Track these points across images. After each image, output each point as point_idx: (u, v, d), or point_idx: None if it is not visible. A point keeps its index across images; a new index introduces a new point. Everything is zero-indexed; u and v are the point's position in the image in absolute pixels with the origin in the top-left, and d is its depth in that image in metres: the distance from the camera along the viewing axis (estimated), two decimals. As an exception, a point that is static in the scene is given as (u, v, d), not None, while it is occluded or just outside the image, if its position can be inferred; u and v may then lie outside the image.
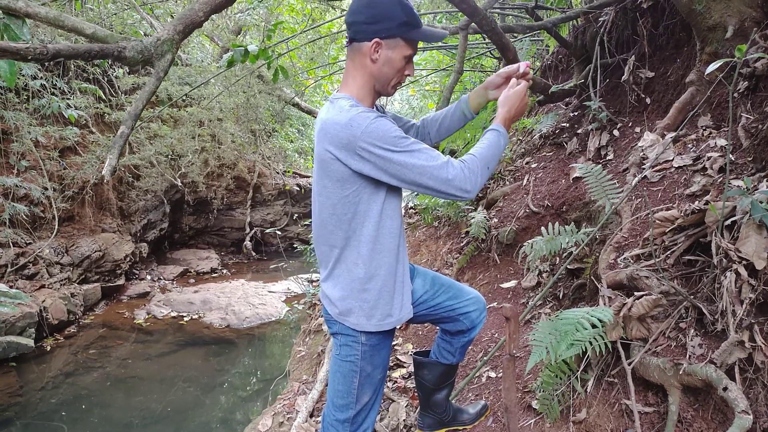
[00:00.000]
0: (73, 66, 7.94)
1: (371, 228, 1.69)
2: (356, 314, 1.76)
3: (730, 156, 2.42)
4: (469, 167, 1.60)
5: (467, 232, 4.36)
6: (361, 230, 1.69)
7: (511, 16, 5.79)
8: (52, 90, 7.42)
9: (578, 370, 2.19)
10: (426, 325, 3.75)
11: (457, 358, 2.20)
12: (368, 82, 1.68)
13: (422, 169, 1.55)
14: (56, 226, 7.59)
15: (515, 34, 5.38)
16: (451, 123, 2.02)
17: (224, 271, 10.81)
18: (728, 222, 1.97)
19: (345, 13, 1.79)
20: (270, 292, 8.96)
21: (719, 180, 2.35)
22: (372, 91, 1.71)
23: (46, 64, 7.23)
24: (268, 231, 11.47)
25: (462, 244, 4.51)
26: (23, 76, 6.89)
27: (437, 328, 2.20)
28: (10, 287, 6.58)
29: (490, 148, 1.67)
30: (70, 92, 7.76)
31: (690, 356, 1.85)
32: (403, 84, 1.77)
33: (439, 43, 7.02)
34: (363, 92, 1.69)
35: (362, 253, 1.71)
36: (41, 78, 7.19)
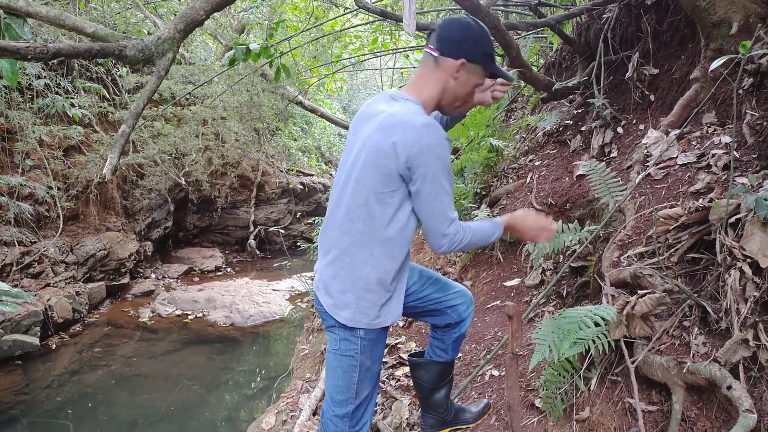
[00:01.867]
0: (77, 65, 7.96)
1: (393, 232, 1.72)
2: (351, 310, 1.76)
3: (735, 153, 2.40)
4: (459, 240, 1.71)
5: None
6: (383, 231, 1.71)
7: (514, 14, 5.78)
8: (56, 89, 7.44)
9: (581, 369, 2.18)
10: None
11: (450, 354, 2.21)
12: (439, 94, 1.75)
13: (441, 210, 1.67)
14: (61, 225, 7.62)
15: (518, 32, 5.36)
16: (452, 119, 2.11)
17: (228, 269, 10.83)
18: (732, 220, 1.96)
19: (348, 10, 1.81)
20: (274, 290, 8.98)
21: (724, 177, 2.33)
22: (436, 104, 1.78)
23: (50, 63, 7.26)
24: (272, 229, 11.49)
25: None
26: (27, 75, 6.92)
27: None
28: (15, 286, 6.61)
29: (483, 236, 1.79)
30: (74, 91, 7.78)
31: (694, 355, 1.84)
32: (466, 109, 1.87)
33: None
34: (430, 103, 1.76)
35: (375, 254, 1.73)
36: (45, 77, 7.22)
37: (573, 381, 2.18)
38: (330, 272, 1.79)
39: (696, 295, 1.99)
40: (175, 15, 8.11)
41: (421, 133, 1.60)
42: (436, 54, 1.71)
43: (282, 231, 12.08)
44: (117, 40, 1.79)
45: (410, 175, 1.63)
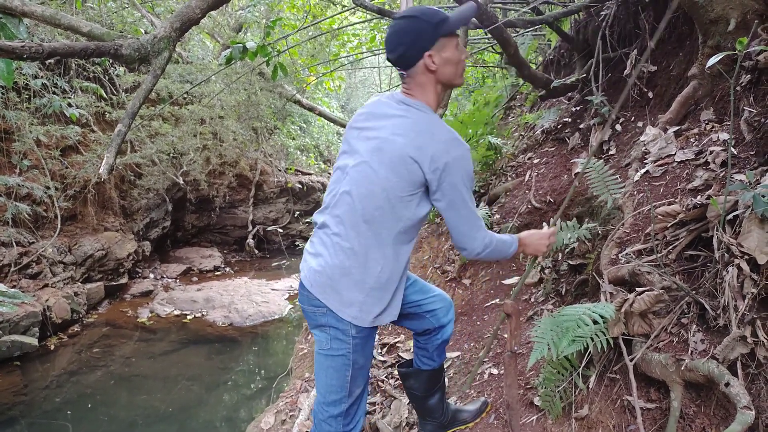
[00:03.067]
0: (74, 65, 7.94)
1: (405, 234, 1.76)
2: (357, 308, 1.76)
3: (733, 150, 2.40)
4: (489, 243, 1.79)
5: (469, 229, 4.35)
6: (397, 233, 1.73)
7: (512, 11, 5.77)
8: (53, 89, 7.42)
9: (580, 367, 2.18)
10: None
11: (437, 361, 2.21)
12: (435, 90, 1.77)
13: (472, 216, 1.74)
14: (59, 225, 7.60)
15: (517, 29, 5.36)
16: None
17: (227, 269, 10.82)
18: (730, 217, 1.96)
19: (345, 8, 1.81)
20: (273, 289, 8.97)
21: (721, 174, 2.33)
22: (438, 99, 1.80)
23: (47, 63, 7.23)
24: (270, 229, 11.48)
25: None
26: (24, 75, 6.89)
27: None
28: (14, 287, 6.60)
29: (504, 246, 1.86)
30: (71, 91, 7.75)
31: (692, 352, 1.84)
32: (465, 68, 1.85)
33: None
34: (434, 104, 1.78)
35: (387, 255, 1.74)
36: (42, 77, 7.19)
37: (572, 379, 2.18)
38: (338, 272, 1.76)
39: (694, 292, 1.98)
40: (172, 14, 8.11)
41: (451, 145, 1.65)
42: (405, 73, 1.74)
43: (280, 230, 12.07)
44: (113, 39, 1.79)
45: (438, 184, 1.67)
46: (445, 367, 2.73)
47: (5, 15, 1.86)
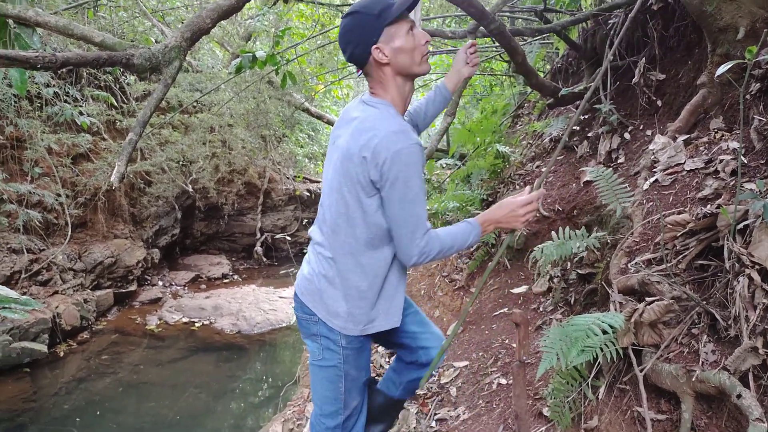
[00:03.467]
0: (85, 74, 8.03)
1: (376, 238, 1.68)
2: (343, 318, 1.73)
3: (743, 159, 2.38)
4: (428, 251, 1.64)
5: (477, 237, 4.34)
6: (365, 238, 1.67)
7: (520, 20, 5.78)
8: (65, 97, 7.50)
9: (589, 377, 2.17)
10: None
11: (399, 393, 2.09)
12: (395, 84, 1.69)
13: (410, 219, 1.60)
14: (69, 233, 7.66)
15: (524, 38, 5.36)
16: (434, 108, 2.09)
17: (235, 276, 10.85)
18: (740, 226, 1.94)
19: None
20: (281, 297, 8.98)
21: (731, 183, 2.31)
22: (402, 93, 1.71)
23: (59, 72, 7.32)
24: (278, 236, 11.50)
25: (472, 249, 4.48)
26: (36, 84, 6.98)
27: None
28: (24, 293, 6.65)
29: (456, 240, 1.69)
30: (82, 99, 7.84)
31: (703, 363, 1.82)
32: (428, 53, 1.73)
33: (448, 47, 7.02)
34: (398, 98, 1.70)
35: (362, 262, 1.69)
36: (54, 86, 7.28)
37: (581, 389, 2.16)
38: (324, 281, 1.74)
39: (704, 302, 1.97)
40: (182, 23, 8.20)
41: (390, 140, 1.54)
42: (362, 71, 1.70)
43: (288, 238, 12.09)
44: (124, 49, 1.81)
45: (381, 182, 1.57)
46: (404, 406, 2.58)
47: (20, 25, 1.89)
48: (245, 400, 5.86)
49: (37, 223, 7.09)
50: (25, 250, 6.93)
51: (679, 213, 2.35)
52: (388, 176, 1.55)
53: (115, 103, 8.08)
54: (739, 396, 1.62)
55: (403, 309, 1.88)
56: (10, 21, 1.90)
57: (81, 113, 7.16)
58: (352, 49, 1.64)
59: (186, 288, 9.79)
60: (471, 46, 2.00)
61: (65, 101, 7.44)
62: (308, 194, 12.90)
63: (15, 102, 6.97)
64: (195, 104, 8.72)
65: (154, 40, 7.32)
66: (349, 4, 6.80)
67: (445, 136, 6.48)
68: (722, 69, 1.81)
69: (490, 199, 4.78)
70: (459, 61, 2.03)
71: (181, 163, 9.17)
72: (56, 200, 7.37)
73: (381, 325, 1.78)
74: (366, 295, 1.72)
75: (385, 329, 1.80)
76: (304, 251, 1.90)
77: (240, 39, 9.85)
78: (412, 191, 1.57)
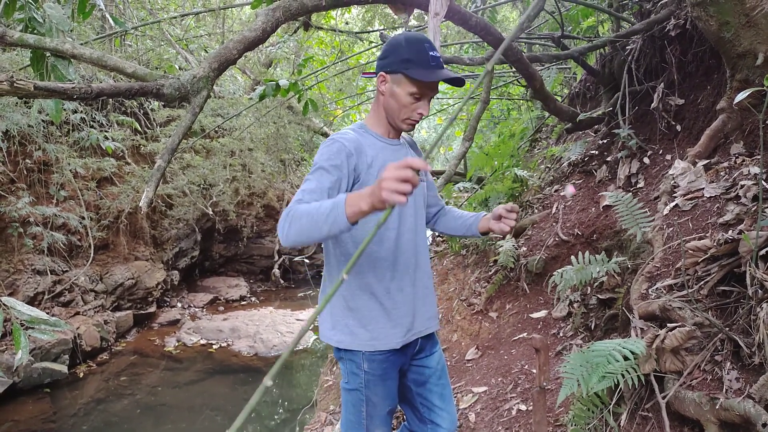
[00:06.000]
0: (110, 100, 8.26)
1: (340, 249, 1.77)
2: (340, 330, 1.79)
3: (764, 184, 2.37)
4: (284, 214, 1.49)
5: (495, 261, 4.34)
6: (333, 251, 1.79)
7: (537, 45, 5.84)
8: (91, 123, 7.72)
9: (611, 404, 2.15)
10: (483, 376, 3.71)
11: None
12: (380, 111, 1.79)
13: (299, 191, 1.57)
14: (92, 254, 7.80)
15: (542, 63, 5.42)
16: (457, 227, 2.08)
17: (253, 298, 10.90)
18: (763, 252, 1.93)
19: (373, 44, 1.88)
20: (298, 320, 8.99)
21: (753, 208, 2.30)
22: (385, 121, 1.79)
23: (87, 98, 7.51)
24: (296, 259, 11.56)
25: (490, 273, 4.47)
26: (65, 110, 7.19)
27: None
28: (47, 314, 6.75)
29: (310, 218, 1.40)
30: (108, 125, 8.05)
31: (727, 390, 1.80)
32: (417, 122, 1.76)
33: (466, 72, 7.10)
34: (378, 121, 1.80)
35: (333, 275, 1.80)
36: (81, 111, 7.50)
37: (602, 416, 2.14)
38: (330, 304, 1.82)
39: (727, 328, 1.95)
40: (205, 50, 8.40)
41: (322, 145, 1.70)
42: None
43: (306, 260, 12.14)
44: (155, 79, 1.88)
45: None
46: None
47: (56, 57, 1.97)
48: (261, 423, 5.84)
49: (61, 245, 7.24)
50: (48, 272, 7.07)
51: (700, 238, 2.34)
52: None
53: (140, 128, 8.28)
54: (765, 425, 1.60)
55: (443, 378, 1.93)
56: (47, 53, 1.99)
57: (106, 138, 7.32)
58: (379, 58, 1.74)
59: (204, 310, 9.86)
60: (512, 210, 1.84)
61: (91, 126, 7.65)
62: (326, 217, 12.96)
63: (44, 128, 7.19)
64: (217, 129, 8.89)
65: (177, 67, 7.52)
66: (368, 31, 6.93)
67: (462, 160, 6.51)
68: (741, 96, 1.82)
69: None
70: (495, 214, 1.88)
71: (202, 186, 9.33)
72: (80, 223, 7.53)
73: (387, 341, 1.77)
74: (349, 313, 1.79)
75: (394, 347, 1.78)
76: (322, 274, 1.96)
77: (261, 65, 10.07)
78: (311, 170, 1.65)
